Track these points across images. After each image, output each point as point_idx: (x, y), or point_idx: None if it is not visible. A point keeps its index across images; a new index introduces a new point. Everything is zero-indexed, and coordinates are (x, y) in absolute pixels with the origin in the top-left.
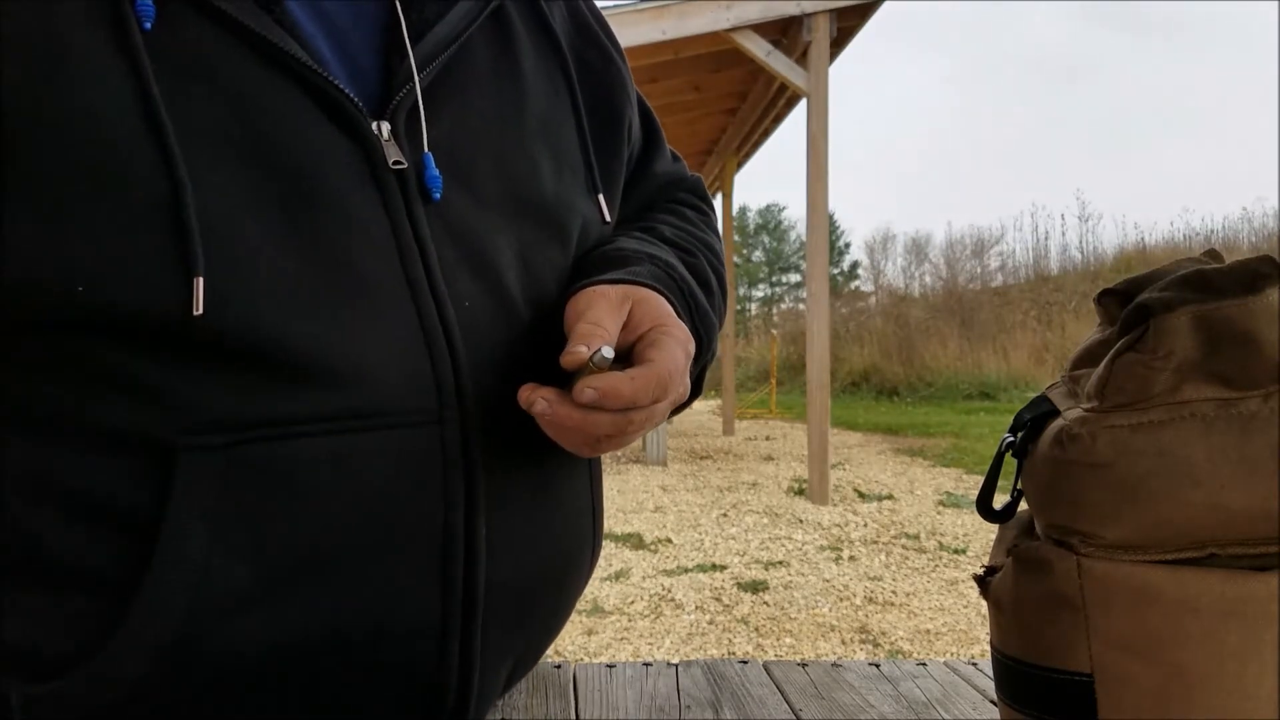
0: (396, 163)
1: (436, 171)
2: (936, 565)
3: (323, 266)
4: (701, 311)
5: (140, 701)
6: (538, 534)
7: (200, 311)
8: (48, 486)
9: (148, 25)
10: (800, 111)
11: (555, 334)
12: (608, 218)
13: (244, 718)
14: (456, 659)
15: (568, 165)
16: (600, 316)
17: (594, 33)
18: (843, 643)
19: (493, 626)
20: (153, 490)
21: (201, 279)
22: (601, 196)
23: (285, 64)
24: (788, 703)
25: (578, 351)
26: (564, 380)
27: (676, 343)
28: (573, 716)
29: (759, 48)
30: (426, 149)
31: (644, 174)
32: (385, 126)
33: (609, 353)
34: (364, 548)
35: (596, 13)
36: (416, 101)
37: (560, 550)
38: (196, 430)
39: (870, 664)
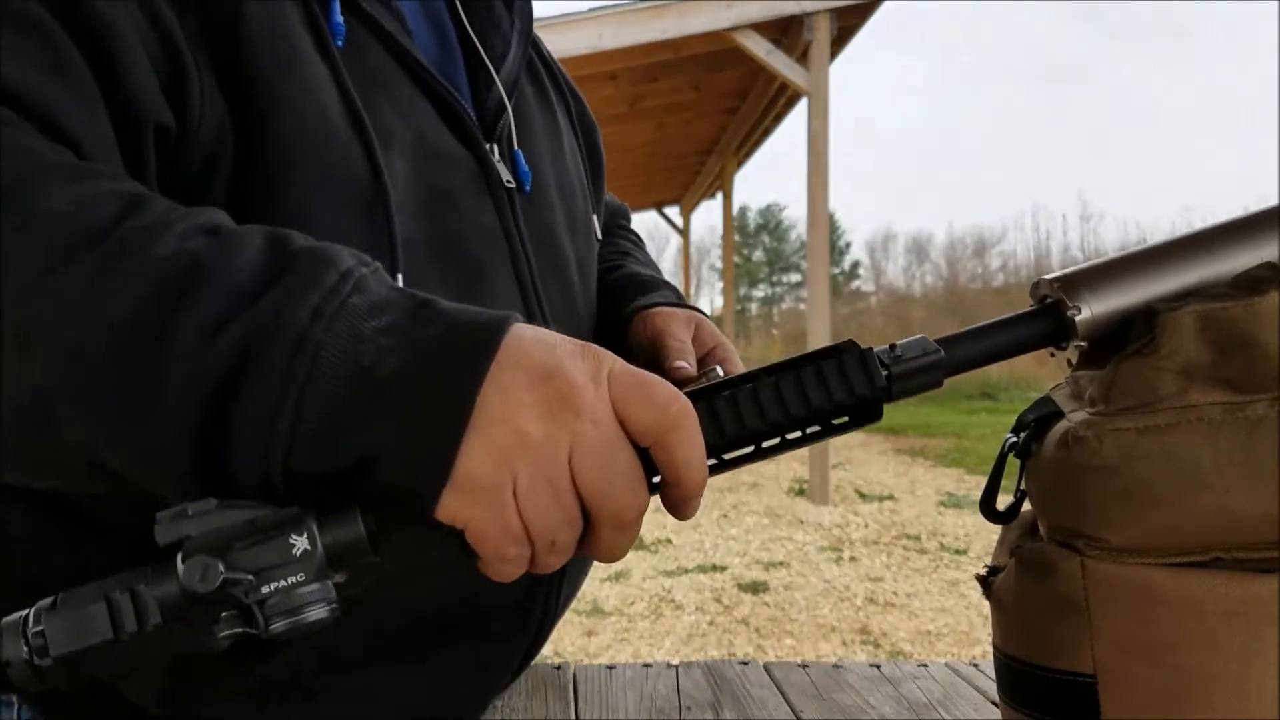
0: (508, 181)
1: (527, 167)
2: (938, 566)
3: (460, 264)
4: None
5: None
6: None
7: None
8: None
9: (339, 43)
10: (800, 111)
11: (604, 340)
12: (599, 236)
13: (381, 663)
14: (547, 598)
15: (585, 188)
16: (682, 334)
17: (563, 76)
18: (843, 644)
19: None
20: None
21: (401, 275)
22: (595, 217)
23: (432, 88)
24: (788, 704)
25: (683, 368)
26: None
27: (739, 360)
28: (572, 717)
29: (759, 47)
30: (516, 146)
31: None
32: (495, 148)
33: (721, 372)
34: None
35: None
36: (510, 127)
37: None
38: None
39: (871, 665)
